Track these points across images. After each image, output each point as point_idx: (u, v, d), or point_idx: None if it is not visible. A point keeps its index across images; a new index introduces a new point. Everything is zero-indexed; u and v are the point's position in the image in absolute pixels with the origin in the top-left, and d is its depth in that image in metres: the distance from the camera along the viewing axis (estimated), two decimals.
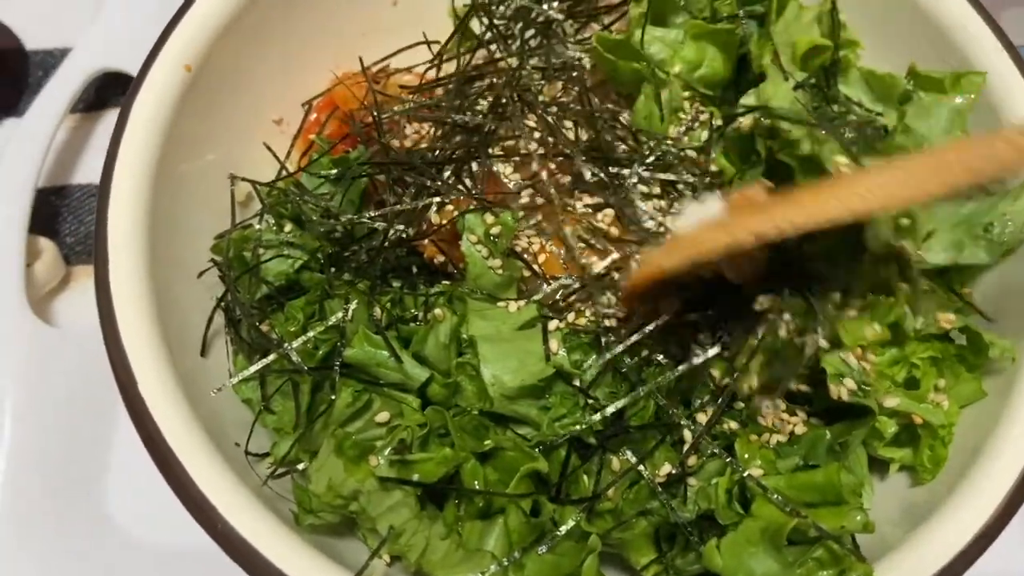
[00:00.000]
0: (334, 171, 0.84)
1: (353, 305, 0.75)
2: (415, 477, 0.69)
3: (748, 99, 0.80)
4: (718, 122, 0.82)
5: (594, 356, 0.75)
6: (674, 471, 0.72)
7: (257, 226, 0.85)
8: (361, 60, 0.94)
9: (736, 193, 0.74)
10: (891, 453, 0.75)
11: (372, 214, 0.80)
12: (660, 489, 0.71)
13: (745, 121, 0.79)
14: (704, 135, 0.83)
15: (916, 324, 0.77)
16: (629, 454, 0.72)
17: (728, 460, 0.71)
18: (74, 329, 1.05)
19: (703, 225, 0.71)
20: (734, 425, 0.74)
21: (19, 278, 1.03)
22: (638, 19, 0.86)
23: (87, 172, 1.15)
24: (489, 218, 0.75)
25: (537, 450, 0.70)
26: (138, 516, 0.98)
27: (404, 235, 0.79)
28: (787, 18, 0.83)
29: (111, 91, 1.19)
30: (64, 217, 1.14)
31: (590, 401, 0.71)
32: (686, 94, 0.85)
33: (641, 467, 0.71)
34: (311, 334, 0.74)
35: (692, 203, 0.77)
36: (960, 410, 0.75)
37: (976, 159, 0.58)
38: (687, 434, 0.73)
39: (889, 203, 0.63)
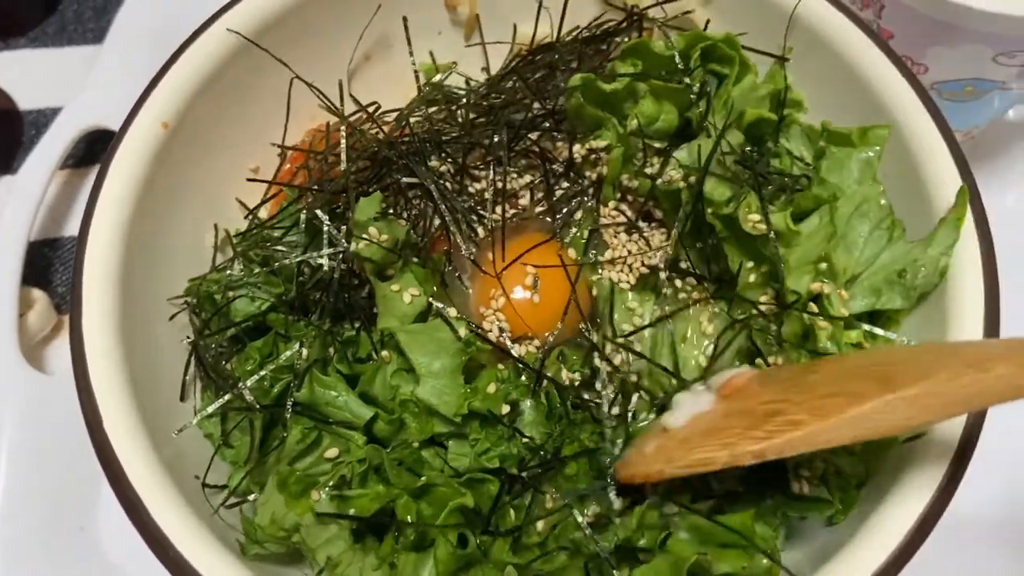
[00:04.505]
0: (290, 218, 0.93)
1: (304, 347, 0.83)
2: (352, 511, 0.77)
3: (682, 153, 0.89)
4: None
5: (530, 400, 0.84)
6: (602, 512, 0.80)
7: (229, 271, 0.93)
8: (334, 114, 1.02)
9: (725, 383, 0.79)
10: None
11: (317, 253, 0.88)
12: (588, 528, 0.78)
13: (675, 175, 0.88)
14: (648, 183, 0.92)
15: None
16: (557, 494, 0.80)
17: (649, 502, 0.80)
18: (65, 375, 1.10)
19: (697, 423, 0.76)
20: None
21: (12, 328, 1.13)
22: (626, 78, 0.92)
23: (78, 225, 1.23)
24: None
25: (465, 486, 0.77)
26: (129, 551, 1.07)
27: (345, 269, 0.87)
28: (743, 87, 0.92)
29: (100, 147, 1.30)
30: (56, 268, 1.26)
31: (515, 435, 0.80)
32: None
33: (568, 504, 0.79)
34: (263, 372, 0.82)
35: (683, 394, 0.81)
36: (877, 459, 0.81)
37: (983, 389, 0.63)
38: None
39: (893, 431, 0.69)
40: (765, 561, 0.71)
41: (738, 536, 0.74)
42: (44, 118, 1.34)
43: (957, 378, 0.63)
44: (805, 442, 0.67)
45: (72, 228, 1.28)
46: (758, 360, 0.85)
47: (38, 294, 1.19)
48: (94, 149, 1.31)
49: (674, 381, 0.85)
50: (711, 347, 0.85)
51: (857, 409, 0.65)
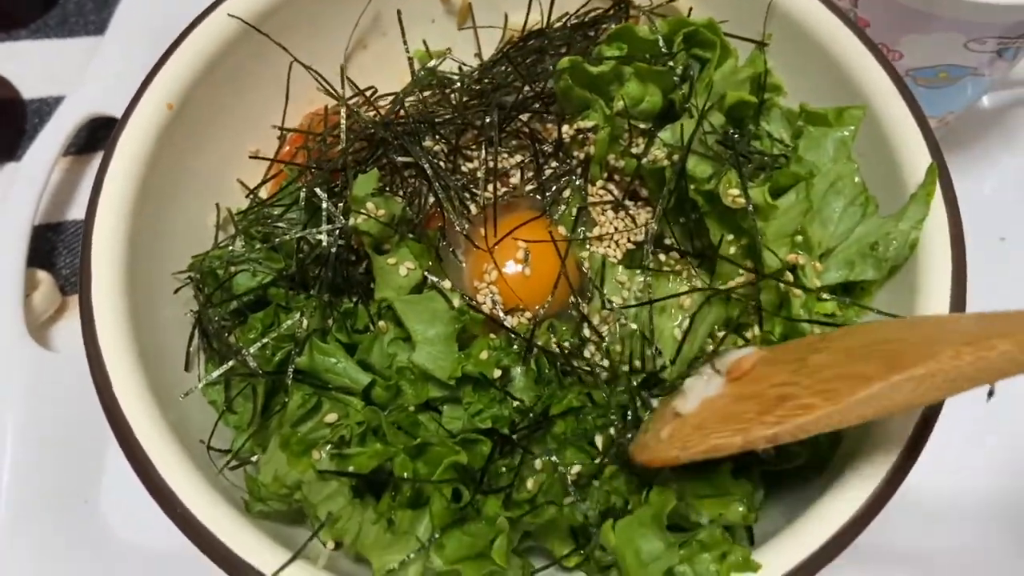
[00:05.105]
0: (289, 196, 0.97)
1: (305, 317, 0.87)
2: (351, 469, 0.81)
3: (665, 134, 0.93)
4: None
5: (520, 367, 0.88)
6: (584, 472, 0.84)
7: (231, 248, 0.97)
8: (332, 101, 1.06)
9: (733, 364, 0.80)
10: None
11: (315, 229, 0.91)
12: (571, 484, 0.83)
13: (659, 154, 0.92)
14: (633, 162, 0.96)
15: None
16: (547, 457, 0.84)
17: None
18: (69, 353, 1.19)
19: (709, 408, 0.78)
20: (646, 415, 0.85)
21: (18, 308, 1.18)
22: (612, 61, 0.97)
23: (80, 209, 1.30)
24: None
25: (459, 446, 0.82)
26: (132, 521, 1.12)
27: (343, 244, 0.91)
28: (724, 71, 0.96)
29: (102, 135, 1.35)
30: (60, 251, 1.30)
31: (506, 398, 0.84)
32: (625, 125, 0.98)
33: (555, 461, 0.83)
34: (265, 340, 0.86)
35: (693, 379, 0.83)
36: None
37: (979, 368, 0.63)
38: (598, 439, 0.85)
39: (902, 409, 0.69)
40: (741, 508, 0.76)
41: (716, 488, 0.79)
42: (47, 106, 1.39)
43: (960, 356, 0.64)
44: (817, 425, 0.68)
45: (75, 213, 1.32)
46: (750, 334, 0.89)
47: (43, 275, 1.23)
48: (96, 136, 1.36)
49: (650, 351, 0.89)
50: (687, 320, 0.89)
51: (865, 391, 0.66)
